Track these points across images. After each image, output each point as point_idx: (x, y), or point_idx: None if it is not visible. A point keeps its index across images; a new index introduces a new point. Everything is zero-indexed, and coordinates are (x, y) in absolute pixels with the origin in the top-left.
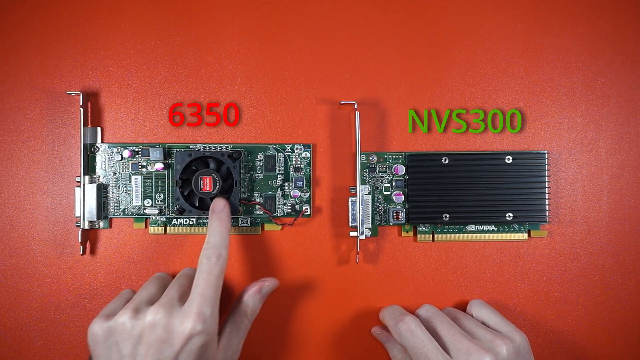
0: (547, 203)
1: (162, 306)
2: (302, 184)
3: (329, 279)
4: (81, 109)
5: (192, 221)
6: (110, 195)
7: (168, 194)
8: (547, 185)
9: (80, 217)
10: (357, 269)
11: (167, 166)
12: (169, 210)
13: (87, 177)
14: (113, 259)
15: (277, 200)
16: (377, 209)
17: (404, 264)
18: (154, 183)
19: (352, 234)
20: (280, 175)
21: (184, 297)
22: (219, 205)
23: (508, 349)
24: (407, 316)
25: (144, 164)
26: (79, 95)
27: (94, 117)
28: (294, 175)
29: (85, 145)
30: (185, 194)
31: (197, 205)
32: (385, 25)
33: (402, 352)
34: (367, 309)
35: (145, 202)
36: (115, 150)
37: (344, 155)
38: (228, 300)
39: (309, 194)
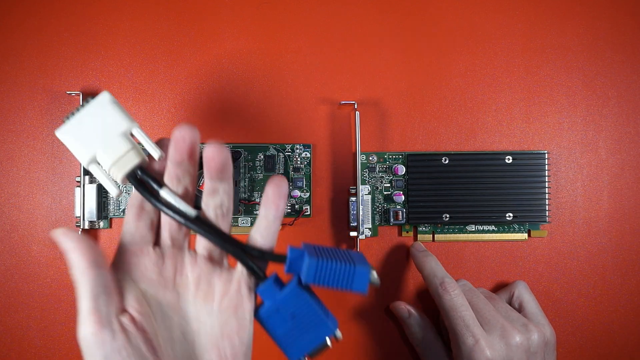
0: (547, 203)
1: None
2: (302, 184)
3: None
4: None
5: None
6: (110, 195)
7: None
8: (547, 185)
9: (80, 217)
10: None
11: None
12: None
13: (87, 177)
14: None
15: None
16: (377, 209)
17: (404, 264)
18: None
19: (352, 234)
20: None
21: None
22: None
23: (539, 336)
24: (451, 278)
25: None
26: (79, 95)
27: None
28: (294, 175)
29: None
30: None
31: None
32: (385, 25)
33: (422, 328)
34: (367, 309)
35: None
36: None
37: (344, 155)
38: None
39: (309, 194)
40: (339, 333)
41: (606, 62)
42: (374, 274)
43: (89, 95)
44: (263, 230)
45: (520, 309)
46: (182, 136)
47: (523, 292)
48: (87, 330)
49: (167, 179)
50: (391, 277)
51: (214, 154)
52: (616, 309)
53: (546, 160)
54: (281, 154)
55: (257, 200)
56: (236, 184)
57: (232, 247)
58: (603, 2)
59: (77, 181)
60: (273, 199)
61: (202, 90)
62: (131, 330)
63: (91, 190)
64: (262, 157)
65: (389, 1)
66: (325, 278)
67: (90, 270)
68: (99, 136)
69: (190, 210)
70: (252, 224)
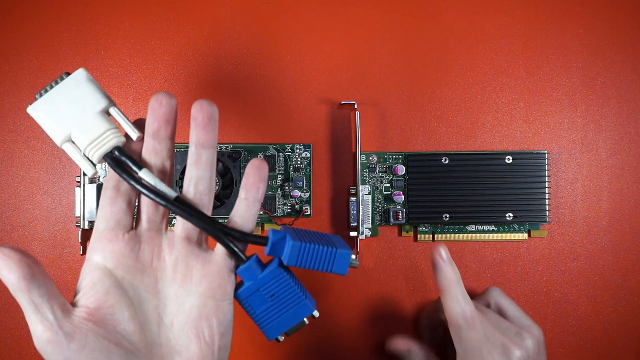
0: (547, 203)
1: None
2: (302, 184)
3: (328, 279)
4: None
5: None
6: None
7: None
8: (547, 185)
9: (80, 217)
10: (357, 268)
11: None
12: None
13: (87, 177)
14: None
15: (277, 200)
16: (377, 209)
17: (404, 264)
18: None
19: (352, 234)
20: (280, 175)
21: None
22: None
23: (533, 341)
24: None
25: None
26: None
27: None
28: (294, 175)
29: None
30: None
31: None
32: (385, 25)
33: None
34: (367, 310)
35: None
36: None
37: (344, 155)
38: None
39: (309, 194)
40: (316, 312)
41: (606, 62)
42: (354, 257)
43: None
44: (243, 213)
45: (502, 316)
46: (158, 101)
47: (499, 298)
48: (41, 340)
49: (144, 153)
50: (391, 277)
51: (202, 106)
52: (616, 309)
53: (546, 160)
54: (281, 154)
55: None
56: (236, 183)
57: (212, 229)
58: (603, 2)
59: (77, 181)
60: (253, 181)
61: (202, 90)
62: (88, 328)
63: (91, 190)
64: (262, 157)
65: (389, 1)
66: (306, 260)
67: (23, 283)
68: (75, 114)
69: (169, 191)
70: None
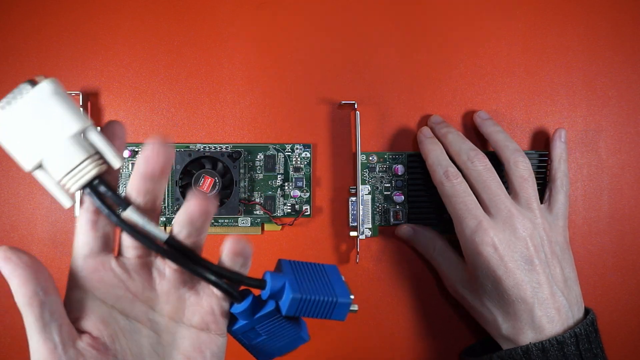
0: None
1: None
2: (302, 184)
3: None
4: (81, 109)
5: None
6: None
7: (168, 194)
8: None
9: None
10: (357, 269)
11: None
12: (169, 211)
13: None
14: None
15: (277, 200)
16: (377, 209)
17: (404, 264)
18: None
19: (352, 234)
20: (280, 175)
21: None
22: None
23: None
24: (455, 168)
25: None
26: (79, 95)
27: (94, 117)
28: (294, 175)
29: None
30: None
31: None
32: (385, 25)
33: (431, 239)
34: (367, 310)
35: None
36: None
37: (344, 155)
38: None
39: (309, 194)
40: (308, 337)
41: (606, 62)
42: (352, 302)
43: (89, 94)
44: (234, 263)
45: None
46: (155, 151)
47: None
48: None
49: (132, 191)
50: (391, 277)
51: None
52: (616, 309)
53: (546, 160)
54: (281, 154)
55: (257, 200)
56: (236, 184)
57: (206, 275)
58: (603, 2)
59: None
60: (235, 263)
61: (202, 90)
62: (92, 356)
63: None
64: (262, 157)
65: (389, 1)
66: (305, 311)
67: (35, 299)
68: (46, 138)
69: (159, 233)
70: (252, 224)
